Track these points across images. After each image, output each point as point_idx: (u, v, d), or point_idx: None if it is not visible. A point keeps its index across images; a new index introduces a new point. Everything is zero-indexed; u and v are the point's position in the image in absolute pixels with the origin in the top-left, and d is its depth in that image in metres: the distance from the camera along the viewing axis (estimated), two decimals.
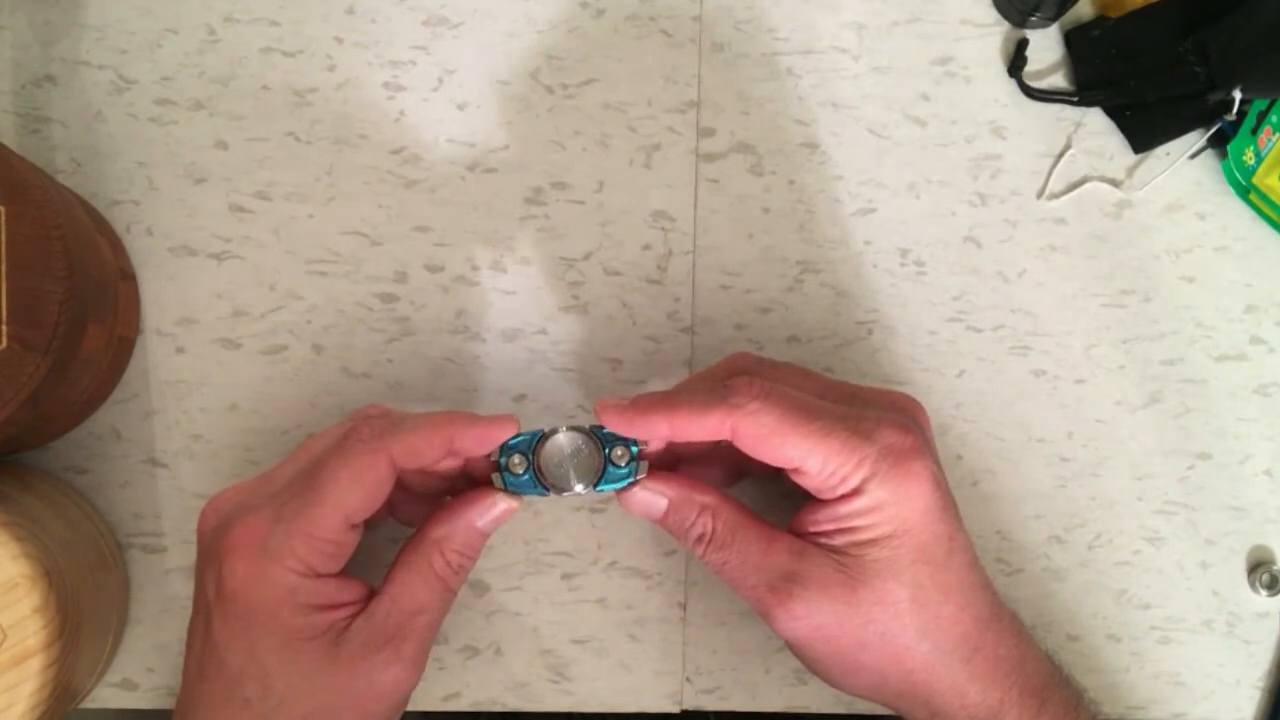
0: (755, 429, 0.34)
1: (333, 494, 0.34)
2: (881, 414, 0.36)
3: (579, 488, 0.37)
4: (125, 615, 0.43)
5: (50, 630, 0.37)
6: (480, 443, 0.36)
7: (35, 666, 0.36)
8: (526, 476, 0.37)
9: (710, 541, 0.37)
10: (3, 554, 0.36)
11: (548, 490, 0.37)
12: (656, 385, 0.44)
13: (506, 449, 0.37)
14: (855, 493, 0.35)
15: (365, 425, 0.35)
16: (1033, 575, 0.45)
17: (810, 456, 0.34)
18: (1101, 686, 0.44)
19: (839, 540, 0.35)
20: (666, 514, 0.37)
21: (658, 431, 0.36)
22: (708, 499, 0.37)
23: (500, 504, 0.37)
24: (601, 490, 0.37)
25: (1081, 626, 0.45)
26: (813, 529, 0.36)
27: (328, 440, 0.37)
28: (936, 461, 0.36)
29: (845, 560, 0.35)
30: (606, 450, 0.37)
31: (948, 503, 0.36)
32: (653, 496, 0.37)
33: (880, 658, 0.36)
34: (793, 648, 0.37)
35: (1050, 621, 0.45)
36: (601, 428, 0.37)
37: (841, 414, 0.35)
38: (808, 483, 0.36)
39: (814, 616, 0.35)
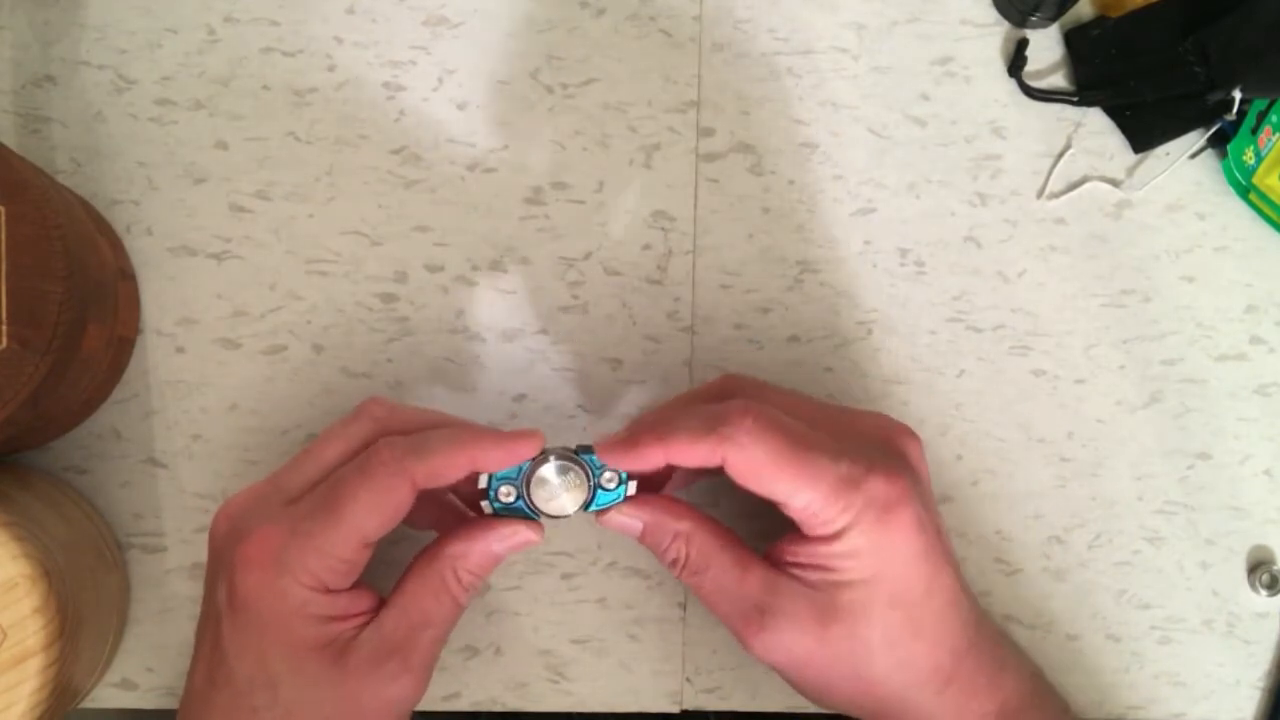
0: (745, 463, 0.34)
1: (351, 514, 0.34)
2: (872, 458, 0.35)
3: (570, 512, 0.37)
4: (125, 615, 0.43)
5: (50, 630, 0.37)
6: (504, 462, 0.36)
7: (35, 666, 0.36)
8: (517, 504, 0.37)
9: (685, 567, 0.37)
10: (3, 554, 0.36)
11: (538, 516, 0.37)
12: (656, 385, 0.44)
13: (496, 479, 0.37)
14: (836, 536, 0.35)
15: (386, 447, 0.35)
16: (1032, 575, 0.45)
17: (796, 496, 0.35)
18: (1101, 686, 0.44)
19: (814, 576, 0.36)
20: (643, 535, 0.38)
21: (654, 463, 0.36)
22: (682, 525, 0.37)
23: (521, 533, 0.37)
24: (591, 511, 0.37)
25: (1081, 626, 0.45)
26: (790, 559, 0.36)
27: (338, 446, 0.37)
28: (926, 502, 0.36)
29: (818, 597, 0.35)
30: (595, 475, 0.37)
31: (931, 546, 0.36)
32: (628, 520, 0.38)
33: (852, 687, 0.36)
34: (770, 667, 0.38)
35: (1050, 621, 0.45)
36: (589, 450, 0.37)
37: (834, 455, 0.35)
38: (792, 514, 0.36)
39: (785, 647, 0.36)
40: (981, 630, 0.37)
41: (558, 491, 0.37)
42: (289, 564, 0.34)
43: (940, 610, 0.36)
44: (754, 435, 0.34)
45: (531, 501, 0.37)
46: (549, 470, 0.36)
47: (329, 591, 0.35)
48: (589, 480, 0.37)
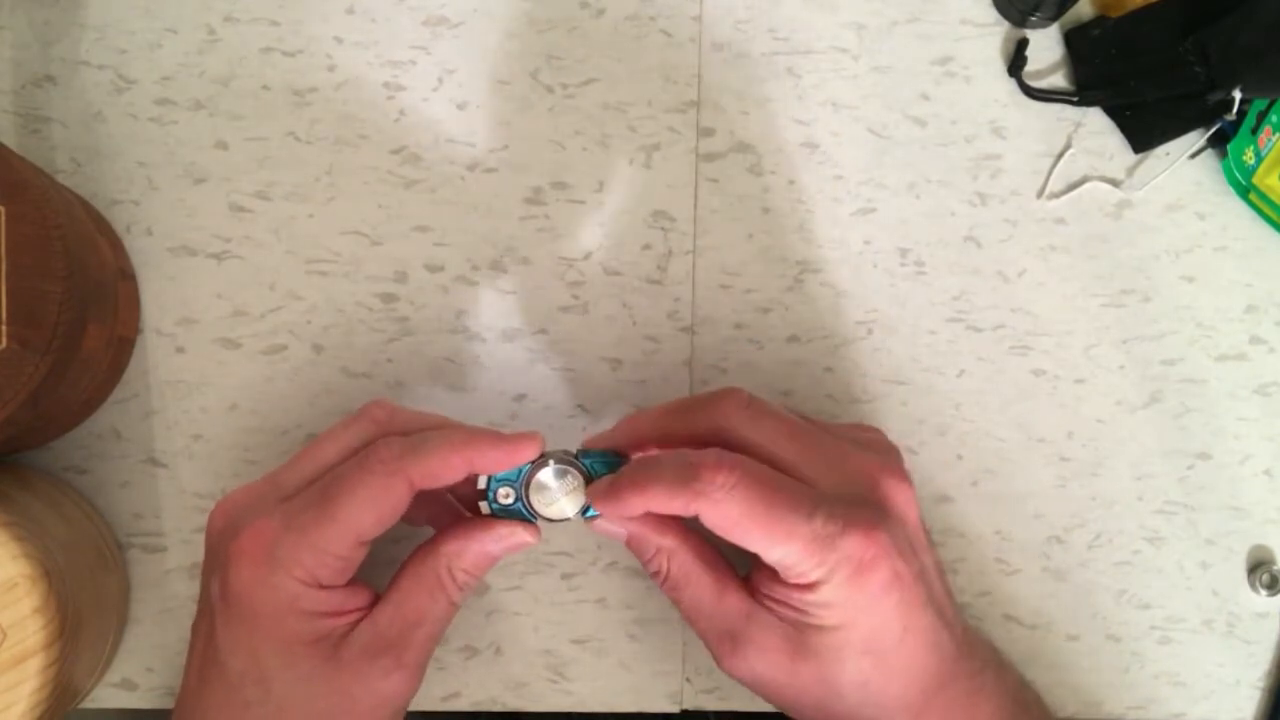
0: (719, 519, 0.34)
1: (347, 512, 0.34)
2: (851, 511, 0.35)
3: (569, 515, 0.37)
4: (125, 615, 0.43)
5: (50, 630, 0.37)
6: (502, 465, 0.36)
7: (35, 666, 0.36)
8: (515, 506, 0.37)
9: (665, 580, 0.38)
10: (3, 554, 0.36)
11: (535, 518, 0.37)
12: (656, 385, 0.44)
13: (495, 480, 0.37)
14: (811, 587, 0.35)
15: (384, 446, 0.35)
16: (1033, 575, 0.45)
17: (770, 551, 0.35)
18: (1101, 686, 0.44)
19: (788, 615, 0.36)
20: (628, 542, 0.38)
21: (634, 511, 0.36)
22: (665, 542, 0.38)
23: (518, 535, 0.37)
24: (588, 516, 0.37)
25: (1081, 626, 0.45)
26: (766, 593, 0.36)
27: (337, 445, 0.37)
28: (909, 549, 0.36)
29: (790, 633, 0.36)
30: (592, 479, 0.37)
31: (909, 597, 0.35)
32: (615, 527, 0.38)
33: (820, 715, 0.37)
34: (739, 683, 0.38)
35: (1050, 621, 0.45)
36: (586, 454, 0.37)
37: (809, 510, 0.34)
38: (768, 563, 0.35)
39: (755, 673, 0.36)
40: (960, 662, 0.37)
41: (556, 495, 0.37)
42: (281, 559, 0.34)
43: (913, 652, 0.36)
44: (727, 491, 0.34)
45: (530, 504, 0.37)
46: (548, 474, 0.36)
47: (322, 587, 0.35)
48: (586, 481, 0.37)
